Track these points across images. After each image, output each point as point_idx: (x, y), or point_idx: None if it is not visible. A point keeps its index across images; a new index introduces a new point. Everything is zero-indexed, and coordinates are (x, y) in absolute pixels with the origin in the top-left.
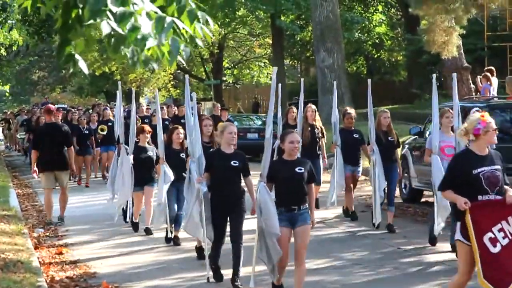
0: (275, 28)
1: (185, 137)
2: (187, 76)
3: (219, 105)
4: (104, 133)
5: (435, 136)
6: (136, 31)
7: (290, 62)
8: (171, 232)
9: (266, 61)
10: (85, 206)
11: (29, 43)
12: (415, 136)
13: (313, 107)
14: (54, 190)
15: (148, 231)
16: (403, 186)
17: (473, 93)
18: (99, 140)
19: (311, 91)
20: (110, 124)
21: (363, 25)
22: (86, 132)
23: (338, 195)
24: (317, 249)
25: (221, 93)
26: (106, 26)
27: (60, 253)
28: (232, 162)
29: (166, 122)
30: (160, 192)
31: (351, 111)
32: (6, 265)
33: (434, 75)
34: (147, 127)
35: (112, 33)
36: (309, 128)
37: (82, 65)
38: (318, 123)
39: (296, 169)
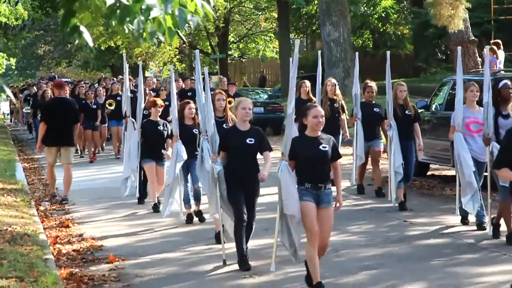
0: (281, 2)
1: (197, 112)
2: (197, 51)
3: (225, 79)
4: (113, 107)
5: (459, 112)
6: (141, 1)
7: (296, 36)
8: (183, 213)
9: (272, 35)
10: (90, 180)
11: (34, 17)
12: (422, 110)
13: (333, 80)
14: (56, 165)
15: (155, 208)
16: None
17: (480, 66)
18: (107, 115)
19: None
20: (118, 98)
21: None
22: (94, 106)
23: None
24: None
25: (226, 68)
26: None
27: (67, 226)
28: (247, 140)
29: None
30: (172, 171)
31: (372, 84)
32: (13, 238)
33: (459, 48)
34: (159, 101)
35: (117, 4)
36: (329, 103)
37: (87, 37)
38: (339, 97)
39: (320, 147)
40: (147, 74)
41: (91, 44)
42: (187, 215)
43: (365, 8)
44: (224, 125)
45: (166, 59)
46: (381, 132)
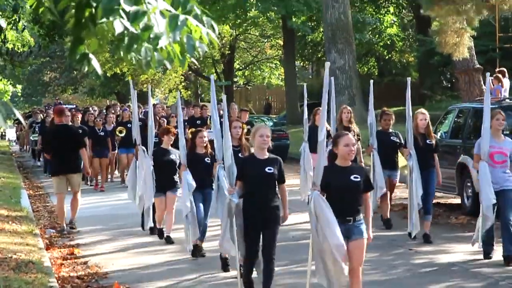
0: (286, 29)
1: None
2: (212, 76)
3: (236, 106)
4: (123, 134)
5: (485, 140)
6: (149, 30)
7: (301, 64)
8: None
9: (277, 62)
10: (96, 207)
11: (41, 43)
12: None
13: (349, 108)
14: (66, 194)
15: (169, 240)
16: None
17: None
18: (117, 142)
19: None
20: (129, 125)
21: (374, 26)
22: (102, 133)
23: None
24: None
25: (232, 95)
26: (119, 25)
27: (72, 254)
28: (266, 169)
29: (186, 123)
30: (186, 201)
31: (389, 111)
32: (18, 266)
33: (488, 75)
34: (173, 128)
35: (125, 32)
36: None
37: (96, 64)
38: (353, 125)
39: (352, 177)
40: (153, 101)
41: (99, 71)
42: (196, 246)
43: (371, 36)
44: (239, 155)
45: (172, 86)
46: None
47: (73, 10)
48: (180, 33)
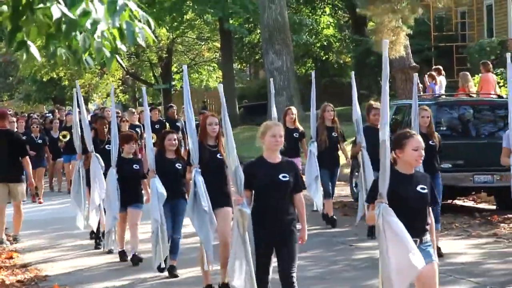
0: (224, 32)
1: (181, 143)
2: (185, 66)
3: (175, 107)
4: (67, 139)
5: None
6: (87, 15)
7: (239, 66)
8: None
9: (215, 65)
10: (34, 211)
11: None
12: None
13: (331, 106)
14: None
15: (136, 260)
16: (353, 185)
17: (421, 92)
18: (62, 149)
19: (260, 94)
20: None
21: (311, 27)
22: (40, 141)
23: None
24: None
25: (170, 98)
26: (56, 10)
27: (10, 258)
28: (280, 176)
29: (137, 129)
30: (155, 213)
31: (378, 105)
32: None
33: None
34: (134, 134)
35: (63, 19)
36: (326, 132)
37: (34, 51)
38: (337, 124)
39: (418, 188)
40: (90, 106)
41: (38, 58)
42: (170, 267)
43: (308, 37)
44: (218, 155)
45: (110, 90)
46: None
47: None
48: (119, 19)
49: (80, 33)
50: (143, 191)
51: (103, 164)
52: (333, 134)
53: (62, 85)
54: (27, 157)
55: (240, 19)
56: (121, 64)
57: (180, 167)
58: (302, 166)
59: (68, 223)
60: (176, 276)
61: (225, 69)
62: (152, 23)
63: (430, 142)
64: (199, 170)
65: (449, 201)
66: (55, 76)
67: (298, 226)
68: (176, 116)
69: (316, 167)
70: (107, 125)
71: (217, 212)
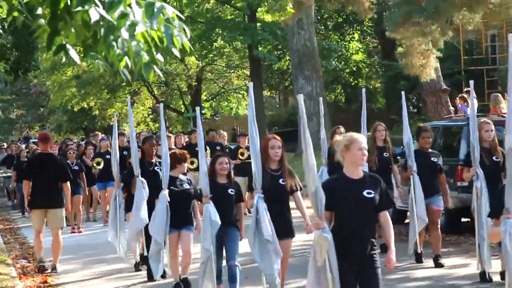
0: (253, 59)
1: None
2: (251, 84)
3: (225, 133)
4: (101, 167)
5: None
6: (125, 17)
7: (268, 93)
8: None
9: (244, 92)
10: (65, 237)
11: (7, 79)
12: (398, 157)
13: (383, 125)
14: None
15: (185, 284)
16: None
17: (452, 114)
18: (96, 176)
19: (290, 120)
20: (108, 156)
21: (340, 53)
22: (76, 168)
23: None
24: (301, 269)
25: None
26: (95, 13)
27: (45, 282)
28: (365, 192)
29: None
30: (207, 241)
31: (427, 127)
32: None
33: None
34: (187, 154)
35: (101, 23)
36: (377, 152)
37: (74, 54)
38: (388, 145)
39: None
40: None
41: (77, 61)
42: None
43: (337, 63)
44: (280, 180)
45: (140, 119)
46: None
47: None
48: (157, 22)
49: (118, 38)
50: (193, 217)
51: (147, 190)
52: (384, 154)
53: (93, 114)
54: (69, 182)
55: (269, 45)
56: (151, 93)
57: (233, 193)
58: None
59: (101, 248)
60: None
61: (255, 96)
62: (188, 32)
63: (494, 158)
64: (262, 195)
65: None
66: (85, 106)
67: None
68: (216, 139)
69: None
70: (156, 147)
71: (280, 243)
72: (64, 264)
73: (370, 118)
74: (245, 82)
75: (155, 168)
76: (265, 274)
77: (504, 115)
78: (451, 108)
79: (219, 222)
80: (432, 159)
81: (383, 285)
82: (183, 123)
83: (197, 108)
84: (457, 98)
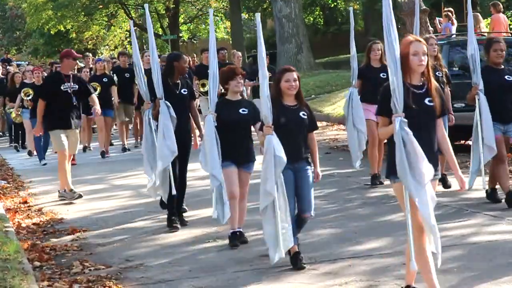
0: None
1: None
2: (257, 14)
3: (239, 53)
4: (97, 92)
5: None
6: None
7: (247, 16)
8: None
9: (222, 15)
10: (49, 158)
11: None
12: None
13: (434, 39)
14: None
15: (242, 238)
16: None
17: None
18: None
19: (269, 43)
20: (105, 80)
21: None
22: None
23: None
24: None
25: (178, 49)
26: None
27: (25, 202)
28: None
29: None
30: (270, 182)
31: (500, 39)
32: None
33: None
34: (240, 69)
35: None
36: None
37: None
38: (440, 62)
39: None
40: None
41: None
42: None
43: None
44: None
45: (117, 42)
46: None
47: None
48: None
49: None
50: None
51: (174, 115)
52: (437, 73)
53: (70, 37)
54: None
55: None
56: (128, 15)
57: (305, 117)
58: None
59: (79, 170)
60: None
61: (233, 19)
62: None
63: (507, 77)
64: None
65: (462, 141)
66: (62, 29)
67: None
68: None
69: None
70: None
71: None
72: (44, 185)
73: (348, 39)
74: (223, 5)
75: (182, 91)
76: None
77: (484, 34)
78: (430, 28)
79: (285, 159)
80: (506, 77)
81: None
82: (160, 46)
83: (257, 15)
84: (436, 19)
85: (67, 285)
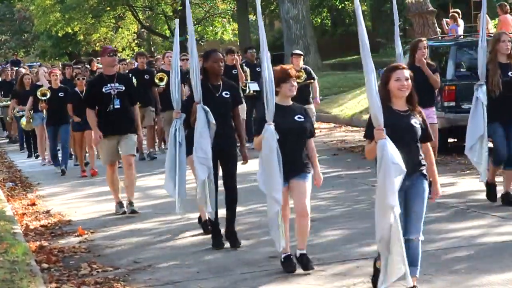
0: None
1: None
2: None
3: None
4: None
5: None
6: None
7: (254, 17)
8: None
9: (229, 17)
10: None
11: None
12: None
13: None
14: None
15: (306, 265)
16: None
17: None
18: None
19: (276, 45)
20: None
21: None
22: None
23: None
24: None
25: (186, 51)
26: None
27: (33, 204)
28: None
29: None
30: (392, 196)
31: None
32: None
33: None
34: (294, 71)
35: None
36: (500, 71)
37: None
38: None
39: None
40: None
41: None
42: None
43: None
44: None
45: (125, 44)
46: None
47: None
48: None
49: None
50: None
51: (214, 121)
52: (510, 73)
53: (77, 40)
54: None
55: None
56: (136, 17)
57: (417, 124)
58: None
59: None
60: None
61: (240, 21)
62: None
63: (510, 73)
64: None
65: None
66: (70, 31)
67: None
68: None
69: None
70: (223, 62)
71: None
72: (52, 187)
73: (356, 41)
74: (230, 7)
75: (224, 94)
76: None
77: (491, 35)
78: (438, 30)
79: (405, 169)
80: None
81: None
82: (168, 48)
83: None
84: (443, 20)
85: (75, 287)
